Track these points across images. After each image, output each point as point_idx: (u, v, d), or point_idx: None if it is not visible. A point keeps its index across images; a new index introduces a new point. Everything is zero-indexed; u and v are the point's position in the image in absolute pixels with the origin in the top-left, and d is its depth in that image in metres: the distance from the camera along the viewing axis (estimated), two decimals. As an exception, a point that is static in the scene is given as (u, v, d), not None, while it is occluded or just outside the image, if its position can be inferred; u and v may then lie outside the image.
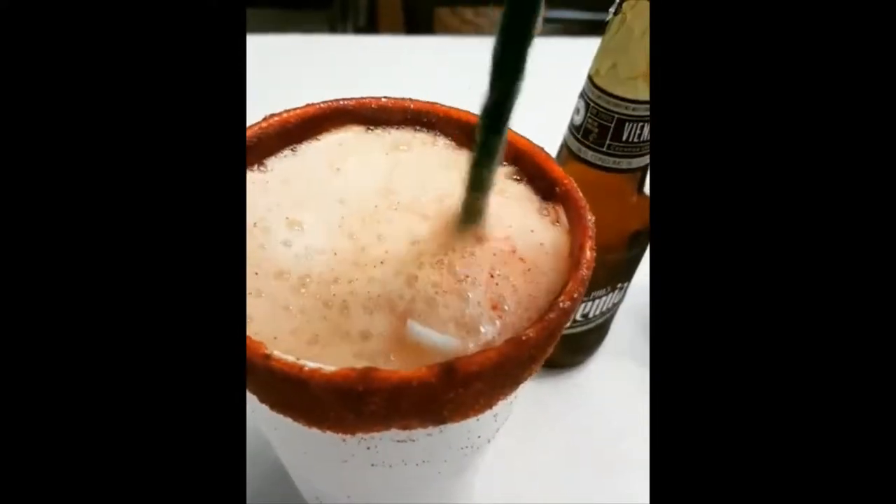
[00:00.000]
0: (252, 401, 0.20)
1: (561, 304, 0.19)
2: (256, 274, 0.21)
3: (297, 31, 0.73)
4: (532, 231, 0.23)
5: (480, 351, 0.18)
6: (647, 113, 0.29)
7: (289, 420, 0.19)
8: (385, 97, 0.26)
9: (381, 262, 0.21)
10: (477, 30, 1.09)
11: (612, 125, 0.29)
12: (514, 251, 0.22)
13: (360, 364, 0.18)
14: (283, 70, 0.63)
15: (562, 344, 0.20)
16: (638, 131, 0.29)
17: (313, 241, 0.22)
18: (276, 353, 0.17)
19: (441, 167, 0.25)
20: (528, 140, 0.25)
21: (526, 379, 0.20)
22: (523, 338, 0.18)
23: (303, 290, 0.20)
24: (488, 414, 0.20)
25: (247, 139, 0.24)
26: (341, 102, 0.26)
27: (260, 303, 0.20)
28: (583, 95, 0.30)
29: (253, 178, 0.24)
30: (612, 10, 0.28)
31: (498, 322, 0.20)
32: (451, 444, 0.22)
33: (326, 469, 0.24)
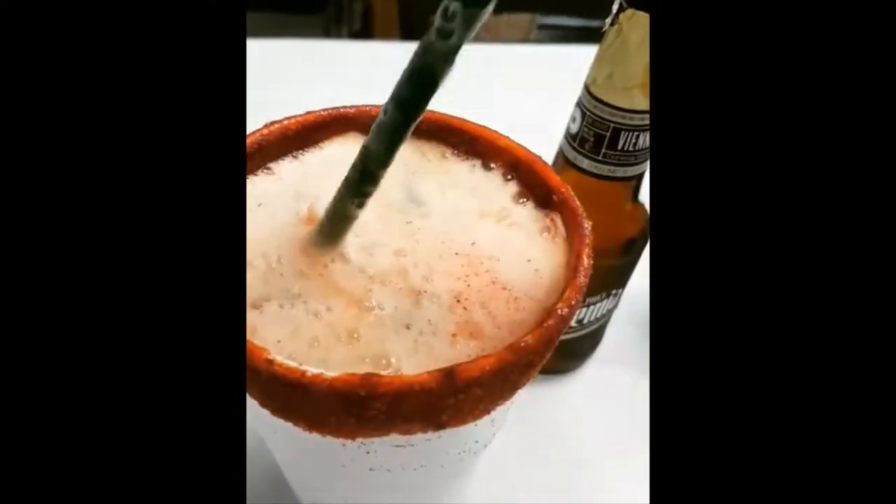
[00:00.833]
0: (250, 405, 0.20)
1: (559, 311, 0.19)
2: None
3: (291, 35, 0.73)
4: (529, 261, 0.23)
5: (480, 357, 0.18)
6: (643, 122, 0.29)
7: (288, 424, 0.19)
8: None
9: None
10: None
11: (608, 134, 0.30)
12: (493, 282, 0.22)
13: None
14: (279, 74, 0.63)
15: (556, 350, 0.20)
16: (633, 140, 0.30)
17: None
18: (279, 358, 0.17)
19: (436, 177, 0.26)
20: (525, 148, 0.25)
21: (524, 384, 0.20)
22: (522, 344, 0.18)
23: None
24: (486, 419, 0.21)
25: (248, 146, 0.24)
26: (342, 110, 0.26)
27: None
28: (579, 104, 0.31)
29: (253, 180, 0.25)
30: (608, 20, 0.28)
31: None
32: (449, 449, 0.22)
33: (324, 473, 0.24)
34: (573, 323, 0.37)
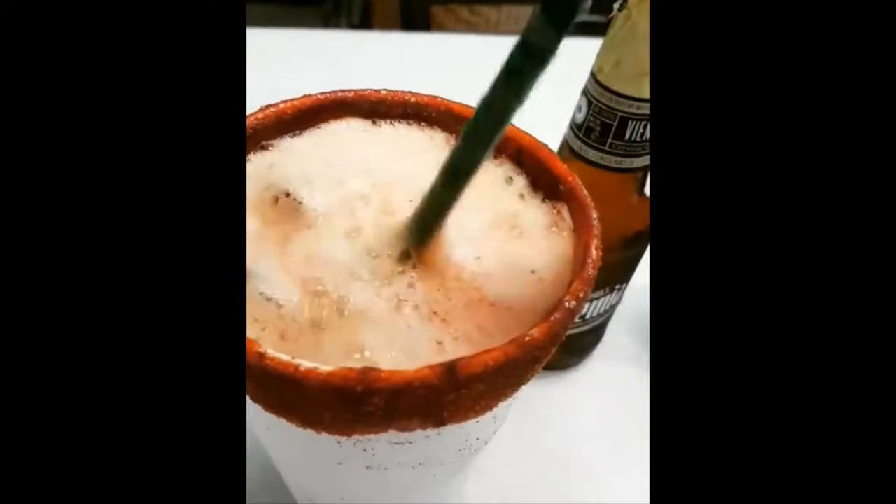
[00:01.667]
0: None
1: (566, 304, 0.18)
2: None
3: (291, 26, 0.73)
4: (532, 272, 0.22)
5: (484, 351, 0.17)
6: (651, 111, 0.28)
7: (283, 421, 0.19)
8: (385, 90, 0.26)
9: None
10: (471, 28, 1.09)
11: (615, 123, 0.29)
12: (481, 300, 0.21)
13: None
14: (278, 64, 0.62)
15: (558, 345, 0.20)
16: (641, 130, 0.29)
17: None
18: (271, 351, 0.16)
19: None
20: (531, 136, 0.25)
21: (528, 380, 0.20)
22: (527, 338, 0.17)
23: None
24: (488, 415, 0.20)
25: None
26: (339, 94, 0.25)
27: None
28: (585, 93, 0.30)
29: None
30: (616, 5, 0.27)
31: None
32: (448, 447, 0.22)
33: (320, 471, 0.23)
34: (576, 318, 0.37)
